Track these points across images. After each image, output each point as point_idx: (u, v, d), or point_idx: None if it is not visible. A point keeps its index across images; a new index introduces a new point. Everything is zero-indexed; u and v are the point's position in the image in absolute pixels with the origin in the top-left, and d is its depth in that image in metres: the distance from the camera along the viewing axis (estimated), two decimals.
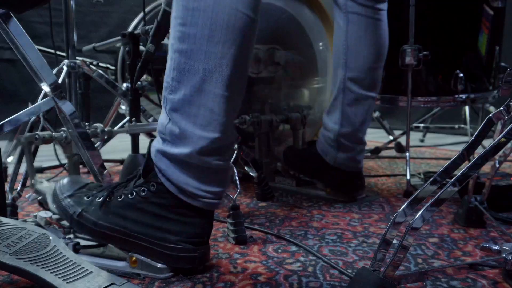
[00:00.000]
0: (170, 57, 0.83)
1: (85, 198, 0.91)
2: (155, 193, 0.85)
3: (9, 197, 1.18)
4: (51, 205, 0.94)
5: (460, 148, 0.93)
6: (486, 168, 0.99)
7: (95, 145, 1.17)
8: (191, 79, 0.80)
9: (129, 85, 1.44)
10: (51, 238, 0.80)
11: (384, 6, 1.31)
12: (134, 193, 0.86)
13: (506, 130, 0.74)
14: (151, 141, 0.88)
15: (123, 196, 0.87)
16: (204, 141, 0.81)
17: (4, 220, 0.83)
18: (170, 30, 0.83)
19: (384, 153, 2.24)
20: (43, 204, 1.12)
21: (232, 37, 0.80)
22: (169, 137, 0.83)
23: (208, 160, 0.83)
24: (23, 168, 1.24)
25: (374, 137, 2.60)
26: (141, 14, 1.83)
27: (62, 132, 1.19)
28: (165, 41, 1.20)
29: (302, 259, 0.94)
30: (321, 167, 1.38)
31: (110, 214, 0.86)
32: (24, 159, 1.22)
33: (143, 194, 0.85)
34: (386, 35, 1.32)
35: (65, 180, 0.96)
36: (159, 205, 0.84)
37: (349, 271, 0.87)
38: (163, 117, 0.85)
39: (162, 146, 0.84)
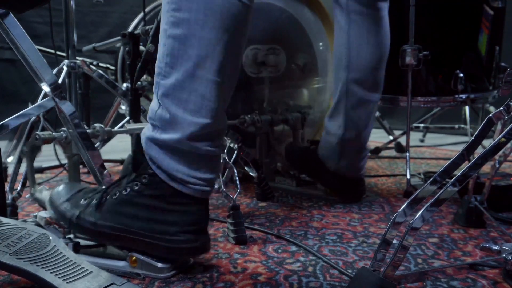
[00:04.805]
0: (163, 43, 0.83)
1: (81, 201, 0.90)
2: (147, 185, 0.85)
3: (9, 197, 1.18)
4: (50, 212, 0.94)
5: (460, 148, 0.93)
6: (486, 168, 0.99)
7: (95, 145, 1.17)
8: (183, 65, 0.81)
9: (129, 85, 1.44)
10: (51, 238, 0.80)
11: (386, 4, 1.29)
12: (128, 189, 0.86)
13: (506, 130, 0.74)
14: (138, 136, 0.88)
15: (117, 194, 0.87)
16: (194, 126, 0.82)
17: (4, 220, 0.83)
18: (162, 15, 0.83)
19: (384, 153, 2.24)
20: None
21: (226, 23, 0.80)
22: (159, 123, 0.84)
23: (198, 146, 0.83)
24: (23, 168, 1.24)
25: (374, 137, 2.58)
26: (141, 14, 1.83)
27: (62, 132, 1.19)
28: None
29: (302, 259, 0.94)
30: (321, 171, 1.37)
31: (107, 213, 0.86)
32: (24, 160, 1.22)
33: (137, 188, 0.85)
34: (388, 34, 1.31)
35: (61, 187, 0.96)
36: (153, 197, 0.84)
37: (349, 271, 0.87)
38: (154, 103, 0.85)
39: (152, 133, 0.85)
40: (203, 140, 0.83)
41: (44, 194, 1.08)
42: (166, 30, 0.82)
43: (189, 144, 0.83)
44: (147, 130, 0.86)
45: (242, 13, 0.81)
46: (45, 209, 1.04)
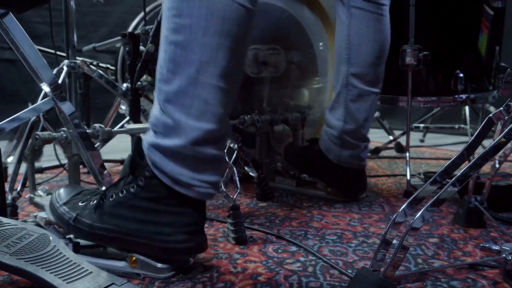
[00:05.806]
0: (164, 49, 0.83)
1: (79, 203, 0.91)
2: (144, 188, 0.85)
3: (9, 197, 1.18)
4: (50, 216, 0.94)
5: (460, 148, 0.93)
6: (486, 168, 0.99)
7: (95, 145, 1.17)
8: (186, 70, 0.80)
9: (129, 85, 1.44)
10: (51, 238, 0.80)
11: (387, 1, 1.30)
12: (124, 191, 0.86)
13: (506, 130, 0.74)
14: (137, 139, 0.88)
15: (114, 196, 0.87)
16: (197, 132, 0.81)
17: (4, 220, 0.83)
18: (162, 21, 0.83)
19: (384, 153, 2.24)
20: None
21: (228, 28, 0.80)
22: (162, 129, 0.83)
23: (203, 151, 0.83)
24: (23, 168, 1.24)
25: (374, 137, 2.59)
26: (141, 14, 1.83)
27: (62, 132, 1.19)
28: None
29: (302, 259, 0.94)
30: (323, 165, 1.37)
31: (104, 215, 0.86)
32: (24, 159, 1.22)
33: (133, 190, 0.85)
34: (389, 30, 1.32)
35: (61, 190, 0.96)
36: (149, 199, 0.84)
37: (349, 271, 0.87)
38: (155, 109, 0.84)
39: (154, 138, 0.84)
40: (207, 144, 0.83)
41: (43, 199, 1.08)
42: (167, 36, 0.82)
43: (193, 149, 0.82)
44: (148, 136, 0.86)
45: (244, 18, 0.81)
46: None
